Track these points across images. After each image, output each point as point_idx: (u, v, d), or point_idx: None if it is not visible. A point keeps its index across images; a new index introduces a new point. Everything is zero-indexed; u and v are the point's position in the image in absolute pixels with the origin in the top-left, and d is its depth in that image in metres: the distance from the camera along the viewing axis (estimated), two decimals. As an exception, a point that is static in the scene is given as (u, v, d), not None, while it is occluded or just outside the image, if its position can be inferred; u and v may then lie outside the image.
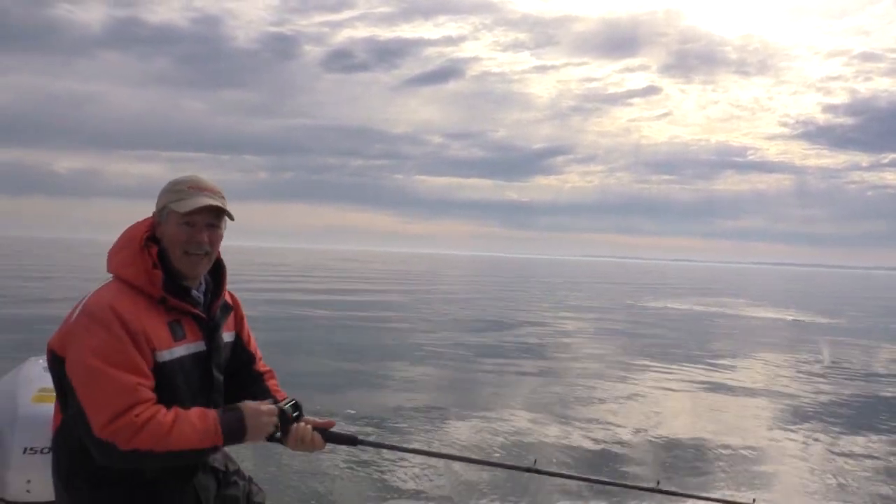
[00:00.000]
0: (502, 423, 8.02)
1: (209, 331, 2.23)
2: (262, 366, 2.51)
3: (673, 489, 2.88)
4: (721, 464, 6.87)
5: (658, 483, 2.60)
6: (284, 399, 2.34)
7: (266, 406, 2.17)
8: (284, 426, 2.22)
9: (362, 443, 2.39)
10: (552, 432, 7.76)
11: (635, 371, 12.46)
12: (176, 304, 2.12)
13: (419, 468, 6.26)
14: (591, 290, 44.41)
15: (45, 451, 2.55)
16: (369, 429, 7.50)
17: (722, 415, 9.29)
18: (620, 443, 7.48)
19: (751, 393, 10.90)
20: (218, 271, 2.33)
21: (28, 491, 2.69)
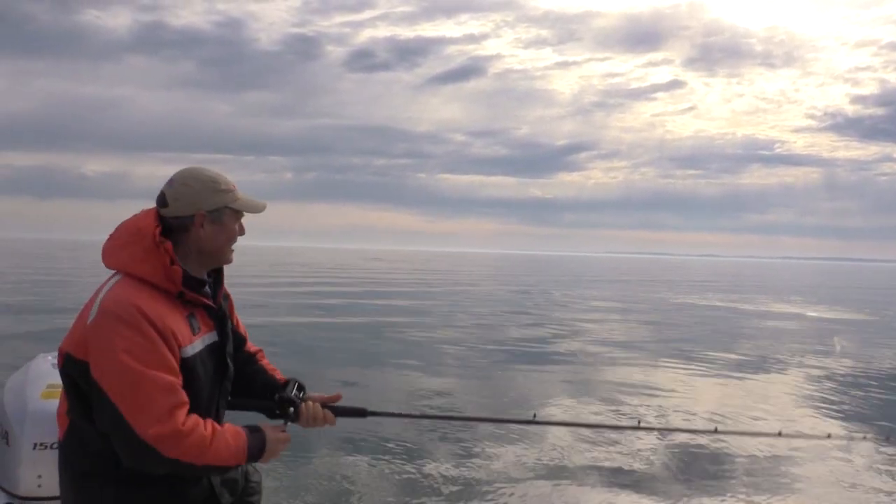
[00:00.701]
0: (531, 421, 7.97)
1: (219, 320, 2.26)
2: (251, 346, 2.57)
3: (652, 426, 3.28)
4: (740, 462, 6.80)
5: (639, 422, 2.87)
6: (282, 380, 2.43)
7: (284, 434, 2.22)
8: (294, 410, 2.31)
9: (372, 414, 2.43)
10: (581, 434, 7.72)
11: (658, 370, 12.35)
12: (193, 298, 2.13)
13: (414, 435, 6.27)
14: (614, 287, 44.12)
15: (55, 446, 2.56)
16: (395, 433, 7.51)
17: (741, 413, 9.18)
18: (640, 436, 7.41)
19: (770, 389, 10.75)
20: None
21: (39, 486, 2.71)
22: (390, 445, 6.78)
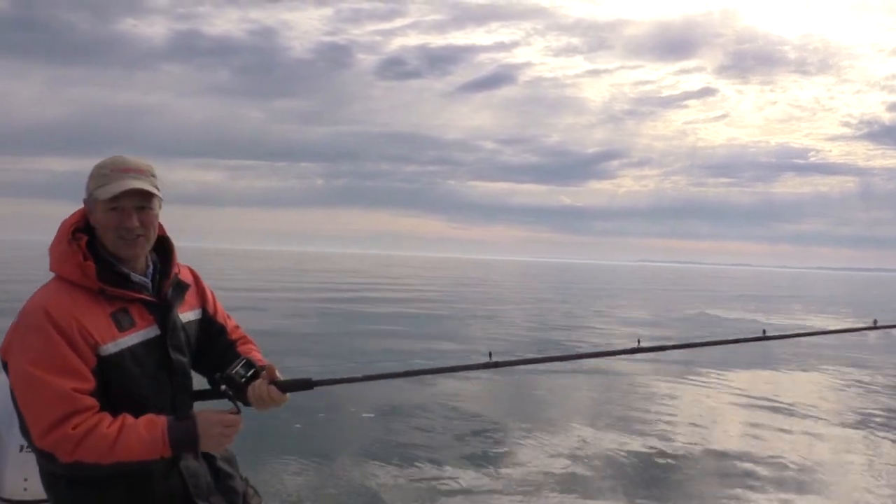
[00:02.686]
0: (555, 434, 7.90)
1: (162, 313, 2.15)
2: (234, 334, 2.43)
3: (652, 345, 2.89)
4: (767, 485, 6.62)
5: (639, 342, 2.49)
6: (260, 363, 2.27)
7: (219, 416, 2.09)
8: (237, 391, 2.16)
9: (318, 384, 2.24)
10: (604, 444, 7.60)
11: (680, 384, 12.11)
12: (116, 294, 2.04)
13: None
14: (640, 297, 43.65)
15: (41, 449, 2.54)
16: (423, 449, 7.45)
17: (756, 437, 8.95)
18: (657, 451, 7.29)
19: (794, 414, 10.41)
20: (165, 250, 2.23)
21: (25, 489, 2.69)
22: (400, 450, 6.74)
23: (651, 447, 7.36)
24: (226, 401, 2.19)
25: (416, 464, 6.49)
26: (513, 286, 52.08)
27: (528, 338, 17.69)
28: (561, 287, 53.72)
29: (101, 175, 2.07)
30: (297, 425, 7.42)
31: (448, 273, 76.22)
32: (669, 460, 6.96)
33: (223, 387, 2.16)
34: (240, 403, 2.17)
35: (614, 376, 12.26)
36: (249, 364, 2.21)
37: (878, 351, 17.25)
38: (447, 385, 10.43)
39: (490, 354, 2.38)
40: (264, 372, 2.21)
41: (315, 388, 2.25)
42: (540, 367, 12.23)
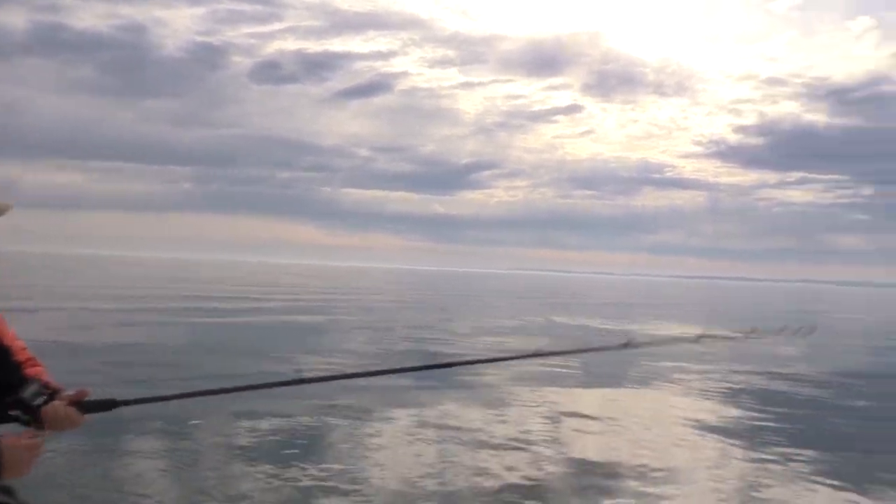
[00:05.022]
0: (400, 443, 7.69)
1: None
2: (21, 355, 2.29)
3: (639, 342, 2.83)
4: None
5: (626, 344, 2.51)
6: (40, 383, 2.17)
7: (27, 441, 2.01)
8: (31, 413, 2.06)
9: (123, 403, 2.16)
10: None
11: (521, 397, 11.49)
12: None
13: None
14: (504, 306, 43.64)
15: None
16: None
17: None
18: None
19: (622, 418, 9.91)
20: None
21: None
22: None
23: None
24: (12, 424, 2.09)
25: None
26: (379, 295, 51.29)
27: (391, 349, 17.50)
28: (430, 295, 53.63)
29: None
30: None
31: (317, 283, 73.99)
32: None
33: (14, 412, 2.07)
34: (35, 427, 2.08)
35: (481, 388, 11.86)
36: (44, 386, 2.13)
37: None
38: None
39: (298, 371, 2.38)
40: (63, 393, 2.13)
41: (121, 408, 2.17)
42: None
